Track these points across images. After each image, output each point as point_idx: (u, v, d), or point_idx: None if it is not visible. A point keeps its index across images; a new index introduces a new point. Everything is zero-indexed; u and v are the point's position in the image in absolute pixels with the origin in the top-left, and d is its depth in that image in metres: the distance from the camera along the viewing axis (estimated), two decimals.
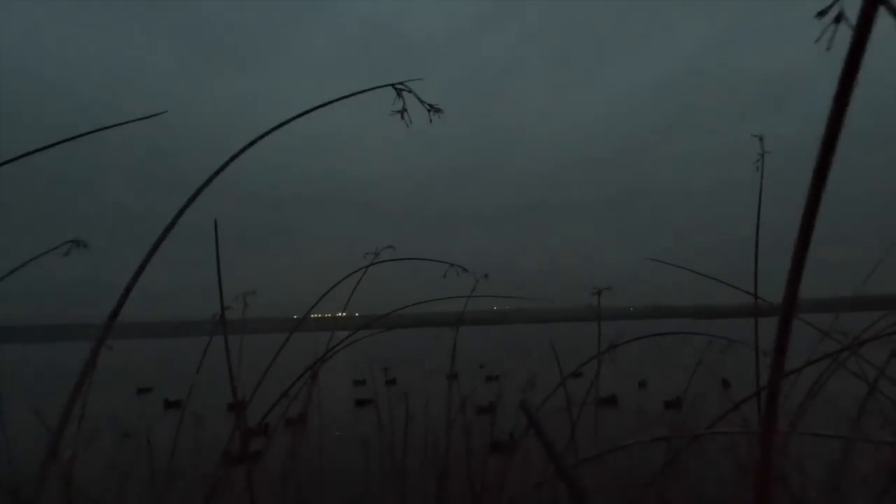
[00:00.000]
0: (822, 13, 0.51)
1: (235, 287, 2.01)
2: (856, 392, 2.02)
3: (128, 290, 0.88)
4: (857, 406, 1.97)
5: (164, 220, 0.93)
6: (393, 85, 1.00)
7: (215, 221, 1.34)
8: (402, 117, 1.02)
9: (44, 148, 1.02)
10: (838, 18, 0.51)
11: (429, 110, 1.04)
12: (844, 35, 0.57)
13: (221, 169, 0.96)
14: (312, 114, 1.10)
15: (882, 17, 0.49)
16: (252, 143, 0.99)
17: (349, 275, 1.95)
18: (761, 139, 1.70)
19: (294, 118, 1.03)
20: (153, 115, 1.01)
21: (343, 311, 2.26)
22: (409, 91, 1.01)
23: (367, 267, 1.94)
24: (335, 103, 1.07)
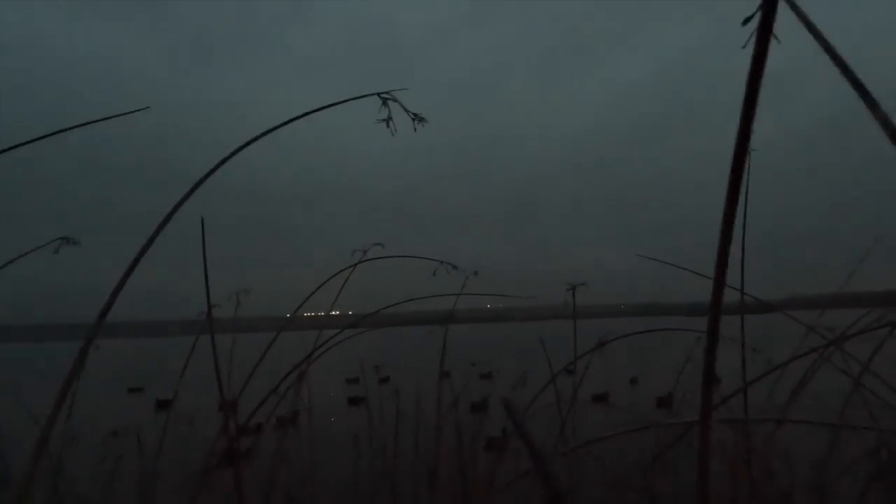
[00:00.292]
0: (747, 20, 0.54)
1: (233, 286, 2.00)
2: (842, 387, 2.05)
3: (118, 288, 0.87)
4: (843, 401, 2.00)
5: (143, 218, 0.93)
6: (378, 94, 1.02)
7: (202, 219, 1.33)
8: (388, 125, 1.03)
9: (27, 143, 1.01)
10: (746, 21, 0.54)
11: (413, 119, 1.05)
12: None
13: (213, 171, 0.96)
14: (302, 112, 1.10)
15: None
16: (241, 148, 0.99)
17: (336, 273, 1.94)
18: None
19: (281, 125, 1.04)
20: (137, 111, 1.01)
21: (336, 310, 2.26)
22: (395, 100, 1.02)
23: (355, 265, 1.94)
24: (323, 108, 1.08)
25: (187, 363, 2.16)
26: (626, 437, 1.67)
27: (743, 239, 1.96)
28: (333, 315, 2.39)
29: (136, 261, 0.95)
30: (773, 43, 0.55)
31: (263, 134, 1.03)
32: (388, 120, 1.03)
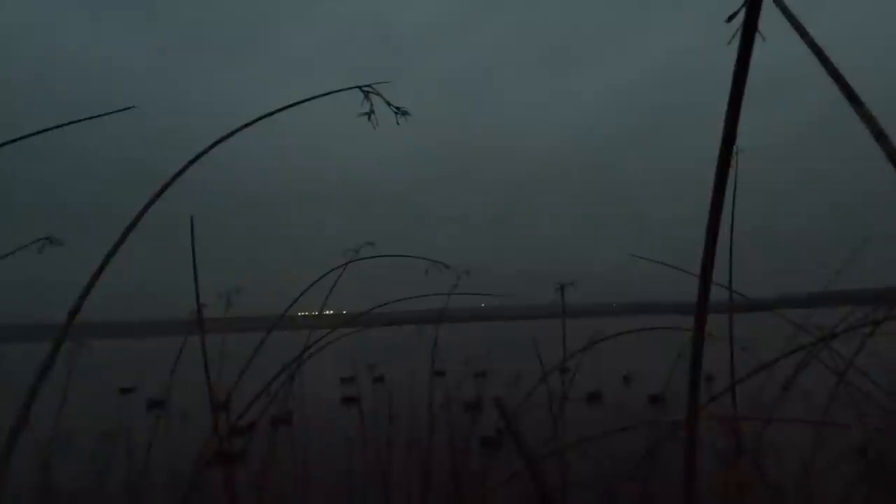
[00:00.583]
0: (732, 17, 0.54)
1: (229, 285, 1.99)
2: (830, 384, 2.07)
3: (89, 286, 0.86)
4: (829, 398, 2.02)
5: (126, 218, 0.92)
6: (360, 87, 1.01)
7: (191, 218, 1.32)
8: (370, 119, 1.03)
9: (14, 140, 1.00)
10: (730, 18, 0.54)
11: (396, 112, 1.05)
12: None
13: (185, 169, 0.95)
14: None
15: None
16: (217, 143, 0.98)
17: (326, 273, 1.94)
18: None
19: (257, 119, 1.03)
20: (124, 109, 1.00)
21: (330, 309, 2.25)
22: (377, 94, 1.01)
23: (346, 264, 1.93)
24: (304, 101, 1.07)
25: (177, 363, 2.15)
26: (617, 435, 1.68)
27: (731, 237, 1.98)
28: (327, 314, 2.39)
29: (107, 260, 0.94)
30: (763, 43, 0.55)
31: (236, 130, 1.01)
32: (370, 113, 1.02)
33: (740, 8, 0.53)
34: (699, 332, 0.60)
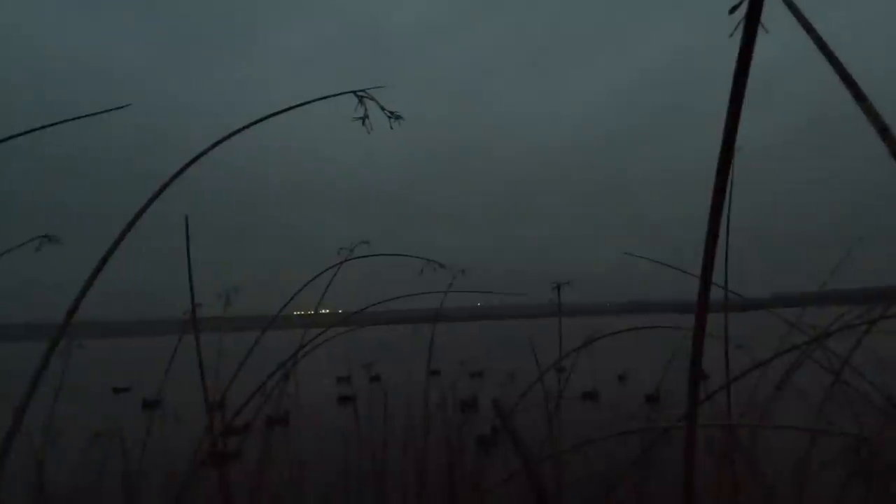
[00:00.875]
0: (734, 9, 0.54)
1: (224, 284, 1.99)
2: (824, 383, 2.08)
3: (87, 286, 0.86)
4: (823, 397, 2.03)
5: (127, 219, 0.91)
6: (355, 92, 1.02)
7: (186, 218, 1.32)
8: (364, 124, 1.03)
9: (9, 139, 0.99)
10: (732, 10, 0.54)
11: (389, 117, 1.05)
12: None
13: (187, 166, 0.94)
14: (295, 111, 1.10)
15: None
16: (216, 145, 0.98)
17: (322, 272, 1.93)
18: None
19: (257, 122, 1.03)
20: (118, 108, 0.99)
21: (325, 308, 2.25)
22: (371, 98, 1.02)
23: (341, 263, 1.93)
24: (299, 105, 1.07)
25: (171, 363, 2.14)
26: (614, 436, 1.69)
27: (727, 237, 1.98)
28: (323, 313, 2.38)
29: (105, 259, 0.93)
30: (763, 43, 0.55)
31: (237, 131, 1.01)
32: (364, 118, 1.03)
33: (742, 0, 0.52)
34: (699, 332, 0.60)
